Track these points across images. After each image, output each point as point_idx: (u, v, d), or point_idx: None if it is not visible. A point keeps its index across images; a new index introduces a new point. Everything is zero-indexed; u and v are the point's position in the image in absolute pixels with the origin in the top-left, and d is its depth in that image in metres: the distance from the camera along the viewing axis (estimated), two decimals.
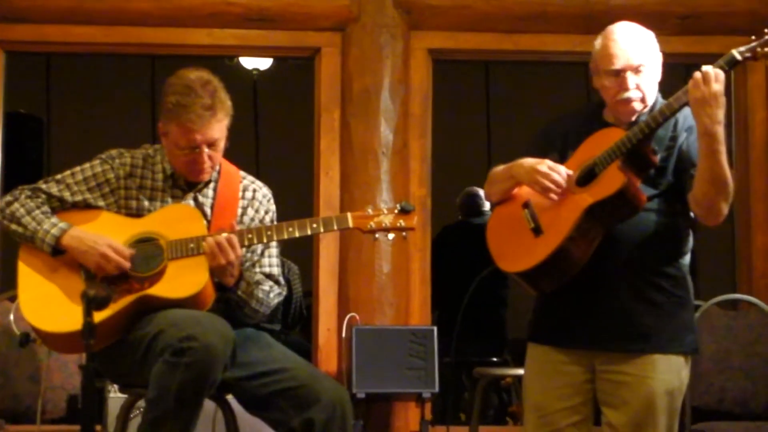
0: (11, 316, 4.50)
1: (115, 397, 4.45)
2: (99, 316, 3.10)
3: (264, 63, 8.31)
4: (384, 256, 5.42)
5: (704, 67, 3.14)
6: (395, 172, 5.52)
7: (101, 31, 5.60)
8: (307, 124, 5.81)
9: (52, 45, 5.73)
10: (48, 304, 3.47)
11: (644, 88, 3.34)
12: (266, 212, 3.72)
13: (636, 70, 3.32)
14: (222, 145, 3.55)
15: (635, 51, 3.32)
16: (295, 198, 5.65)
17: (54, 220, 3.52)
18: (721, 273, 6.59)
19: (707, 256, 8.02)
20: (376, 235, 3.51)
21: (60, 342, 3.51)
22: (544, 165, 3.33)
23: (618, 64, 3.32)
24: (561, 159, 3.41)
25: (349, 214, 3.52)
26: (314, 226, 3.48)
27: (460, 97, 7.95)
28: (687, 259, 3.42)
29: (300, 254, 5.75)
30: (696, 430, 4.67)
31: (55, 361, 4.58)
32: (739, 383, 4.92)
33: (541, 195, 3.35)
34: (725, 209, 3.27)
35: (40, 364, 4.44)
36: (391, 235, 3.52)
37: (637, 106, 3.35)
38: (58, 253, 3.49)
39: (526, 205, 3.41)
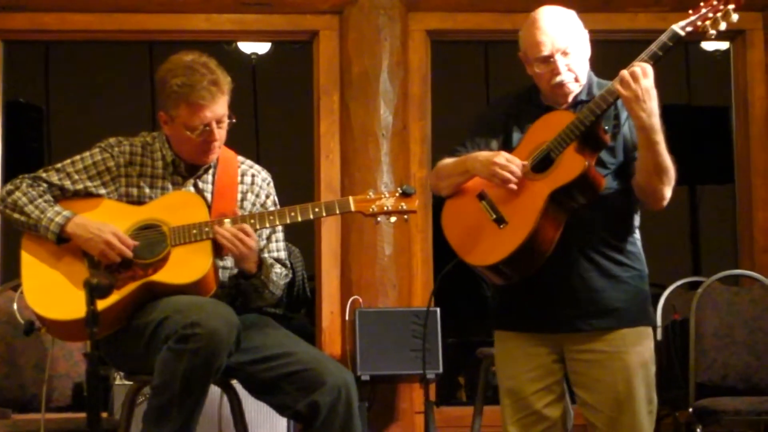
0: (15, 305, 4.49)
1: (121, 384, 4.45)
2: (103, 304, 3.11)
3: (262, 47, 8.28)
4: (386, 238, 5.43)
5: (631, 66, 3.16)
6: (395, 154, 5.52)
7: (99, 19, 5.59)
8: (306, 108, 5.80)
9: (50, 33, 5.72)
10: (52, 291, 3.47)
11: (575, 68, 3.37)
12: (267, 196, 3.72)
13: (564, 53, 3.34)
14: (226, 122, 3.55)
15: (560, 34, 3.34)
16: (296, 181, 5.65)
17: (57, 208, 3.52)
18: (723, 249, 6.60)
19: (709, 232, 8.06)
20: (378, 218, 3.53)
21: (64, 330, 3.52)
22: (501, 157, 3.32)
23: (546, 51, 3.34)
24: (505, 144, 3.43)
25: (350, 198, 3.52)
26: (316, 210, 3.49)
27: (459, 78, 7.92)
28: (638, 233, 3.45)
29: (301, 237, 5.74)
30: (700, 405, 4.67)
31: (60, 350, 4.57)
32: (742, 359, 4.92)
33: (497, 186, 3.33)
34: (668, 194, 3.31)
35: (45, 353, 4.44)
36: (393, 218, 3.53)
37: (573, 86, 3.38)
38: (62, 242, 3.49)
39: (481, 196, 3.37)
